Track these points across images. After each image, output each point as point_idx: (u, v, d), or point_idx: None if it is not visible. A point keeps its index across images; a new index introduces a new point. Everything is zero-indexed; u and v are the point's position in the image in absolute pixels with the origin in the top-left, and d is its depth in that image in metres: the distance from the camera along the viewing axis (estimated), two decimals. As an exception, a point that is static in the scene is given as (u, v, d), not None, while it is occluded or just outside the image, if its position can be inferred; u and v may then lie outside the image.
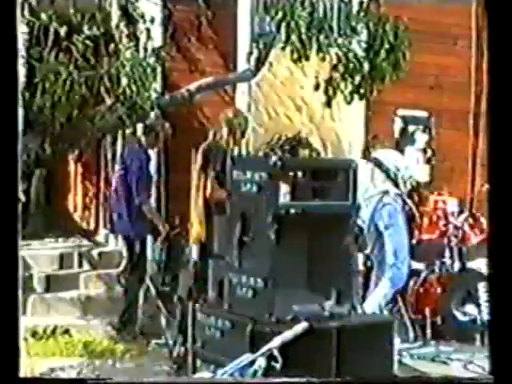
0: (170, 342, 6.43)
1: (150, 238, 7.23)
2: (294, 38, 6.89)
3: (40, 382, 4.69)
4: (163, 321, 6.80)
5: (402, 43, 7.22)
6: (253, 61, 7.48)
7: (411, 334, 6.99)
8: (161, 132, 7.24)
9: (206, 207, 6.76)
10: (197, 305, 5.46)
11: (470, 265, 7.57)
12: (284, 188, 5.03)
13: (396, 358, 5.45)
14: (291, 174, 5.04)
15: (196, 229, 6.83)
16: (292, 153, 6.76)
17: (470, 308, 7.14)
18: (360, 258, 7.39)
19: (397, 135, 9.81)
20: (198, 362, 5.06)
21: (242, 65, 8.24)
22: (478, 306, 7.14)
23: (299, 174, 5.05)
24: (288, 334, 3.71)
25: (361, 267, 7.41)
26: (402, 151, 9.93)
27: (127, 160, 7.22)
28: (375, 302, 6.79)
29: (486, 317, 7.08)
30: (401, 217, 6.94)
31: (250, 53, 7.52)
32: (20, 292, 4.03)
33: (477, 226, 7.62)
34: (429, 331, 6.95)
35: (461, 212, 7.72)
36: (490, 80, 4.29)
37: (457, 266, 7.35)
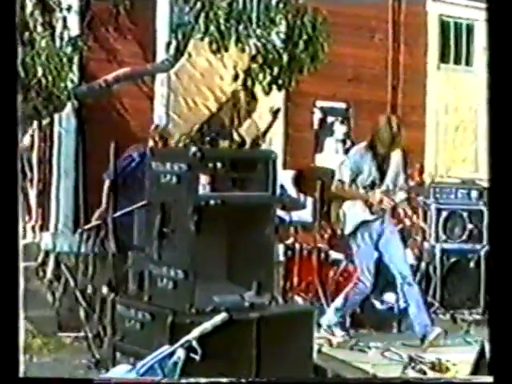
0: (89, 336, 6.36)
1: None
2: (212, 28, 6.88)
3: (40, 382, 4.65)
4: (82, 314, 6.72)
5: (321, 35, 7.28)
6: (171, 51, 7.43)
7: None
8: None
9: None
10: (116, 297, 5.41)
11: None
12: (203, 179, 5.02)
13: (315, 346, 5.51)
14: (211, 165, 5.03)
15: None
16: (211, 144, 6.72)
17: (388, 296, 7.25)
18: (281, 248, 7.44)
19: (316, 126, 9.88)
20: (118, 355, 5.03)
21: (161, 55, 8.18)
22: (396, 294, 7.25)
23: (219, 165, 5.04)
24: (207, 325, 3.70)
25: (281, 258, 7.45)
26: (321, 142, 10.04)
27: None
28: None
29: (402, 304, 7.20)
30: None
31: (169, 43, 7.46)
32: (20, 292, 4.09)
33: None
34: (348, 320, 7.03)
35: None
36: (489, 79, 4.38)
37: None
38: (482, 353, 4.94)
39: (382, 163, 6.80)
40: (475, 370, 5.01)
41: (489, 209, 4.31)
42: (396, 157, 6.83)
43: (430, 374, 5.65)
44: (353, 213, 6.75)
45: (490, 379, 4.17)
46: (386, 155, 6.79)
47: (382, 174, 6.80)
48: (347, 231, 6.78)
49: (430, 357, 5.89)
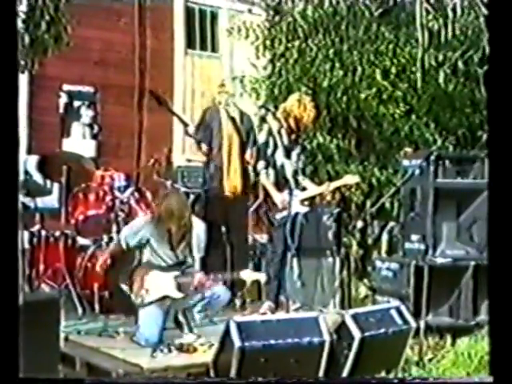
0: None
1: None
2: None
3: (40, 382, 4.50)
4: None
5: (64, 16, 7.14)
6: None
7: (79, 310, 6.98)
8: None
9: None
10: None
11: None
12: None
13: (62, 334, 5.41)
14: None
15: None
16: None
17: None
18: (26, 235, 7.23)
19: (62, 110, 9.71)
20: None
21: None
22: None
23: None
24: None
25: (26, 245, 7.25)
26: (68, 127, 9.88)
27: None
28: None
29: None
30: None
31: None
32: (20, 292, 4.10)
33: (143, 200, 7.75)
34: (97, 306, 6.97)
35: (127, 187, 7.80)
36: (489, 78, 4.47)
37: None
38: (226, 332, 5.11)
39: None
40: (220, 349, 5.18)
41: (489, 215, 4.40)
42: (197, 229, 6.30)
43: (178, 355, 5.73)
44: (157, 285, 6.14)
45: (490, 379, 4.27)
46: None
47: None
48: (147, 300, 6.15)
49: (179, 338, 5.98)
